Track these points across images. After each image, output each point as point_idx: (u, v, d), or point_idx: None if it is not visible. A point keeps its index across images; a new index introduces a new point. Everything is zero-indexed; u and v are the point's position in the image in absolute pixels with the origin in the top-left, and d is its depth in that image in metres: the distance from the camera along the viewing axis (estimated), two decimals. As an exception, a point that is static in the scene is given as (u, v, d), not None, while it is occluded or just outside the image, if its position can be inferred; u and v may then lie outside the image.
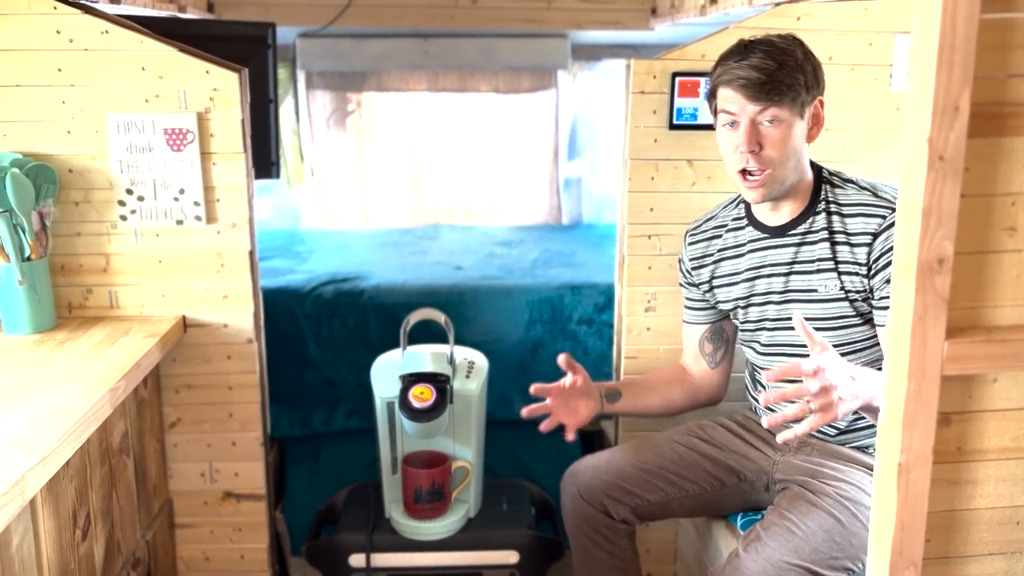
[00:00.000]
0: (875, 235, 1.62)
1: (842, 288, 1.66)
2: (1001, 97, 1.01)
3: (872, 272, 1.63)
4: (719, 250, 1.84)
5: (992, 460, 1.13)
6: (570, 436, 1.83)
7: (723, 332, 1.93)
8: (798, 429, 1.42)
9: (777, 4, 2.04)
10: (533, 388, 1.84)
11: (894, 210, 1.60)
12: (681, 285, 1.96)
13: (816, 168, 1.73)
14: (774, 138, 1.61)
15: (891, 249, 1.59)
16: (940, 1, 0.94)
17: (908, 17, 2.08)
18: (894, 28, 2.09)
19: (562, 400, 1.84)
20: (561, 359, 1.83)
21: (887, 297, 1.61)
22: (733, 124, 1.64)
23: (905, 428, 1.06)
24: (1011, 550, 1.16)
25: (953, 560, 1.16)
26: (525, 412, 1.83)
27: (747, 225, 1.79)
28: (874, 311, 1.65)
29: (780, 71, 1.58)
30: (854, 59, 2.10)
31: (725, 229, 1.84)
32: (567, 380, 1.83)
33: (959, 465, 1.12)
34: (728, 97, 1.63)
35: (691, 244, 1.90)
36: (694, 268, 1.89)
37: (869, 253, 1.63)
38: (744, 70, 1.59)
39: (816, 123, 1.67)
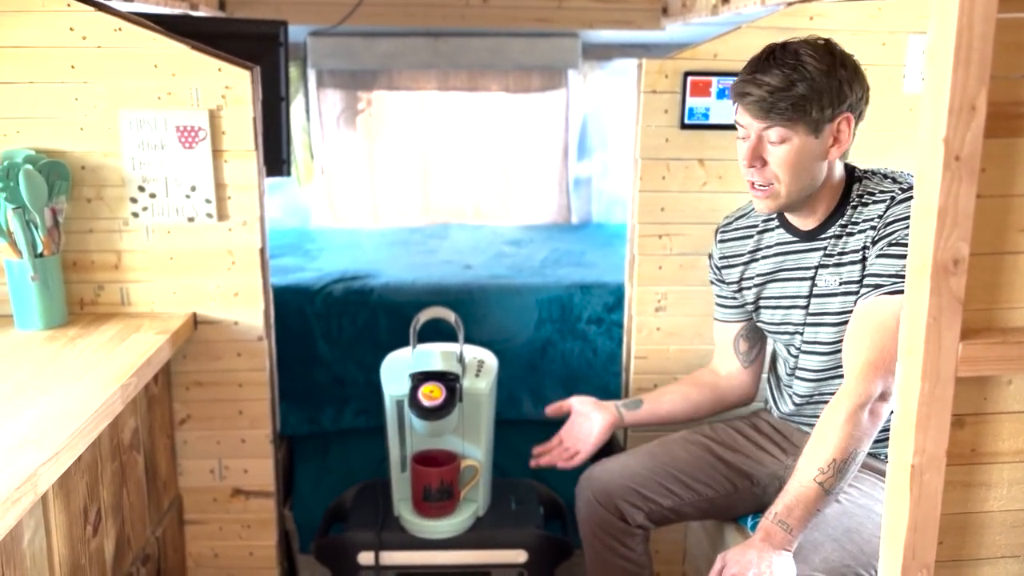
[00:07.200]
0: (880, 216, 1.60)
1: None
2: (1018, 97, 1.00)
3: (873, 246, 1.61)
4: (750, 251, 1.81)
5: (1006, 463, 1.12)
6: (583, 459, 1.95)
7: (758, 330, 1.90)
8: None
9: (790, 3, 2.03)
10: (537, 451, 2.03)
11: (903, 190, 1.58)
12: (711, 282, 1.93)
13: (849, 169, 1.69)
14: (778, 155, 1.58)
15: (890, 224, 1.57)
16: (957, 0, 0.93)
17: (922, 17, 2.07)
18: (907, 28, 2.08)
19: (567, 438, 1.99)
20: (549, 410, 2.03)
21: (875, 275, 1.58)
22: (744, 137, 1.62)
23: (919, 430, 1.06)
24: (1024, 553, 1.16)
25: (966, 563, 1.15)
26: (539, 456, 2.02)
27: (778, 227, 1.77)
28: (863, 288, 1.60)
29: (787, 90, 1.53)
30: (867, 59, 2.07)
31: (757, 230, 1.81)
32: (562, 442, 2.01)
33: (973, 467, 1.12)
34: (739, 111, 1.61)
35: (721, 242, 1.87)
36: (724, 267, 1.86)
37: (873, 236, 1.61)
38: (750, 87, 1.56)
39: (837, 141, 1.59)
